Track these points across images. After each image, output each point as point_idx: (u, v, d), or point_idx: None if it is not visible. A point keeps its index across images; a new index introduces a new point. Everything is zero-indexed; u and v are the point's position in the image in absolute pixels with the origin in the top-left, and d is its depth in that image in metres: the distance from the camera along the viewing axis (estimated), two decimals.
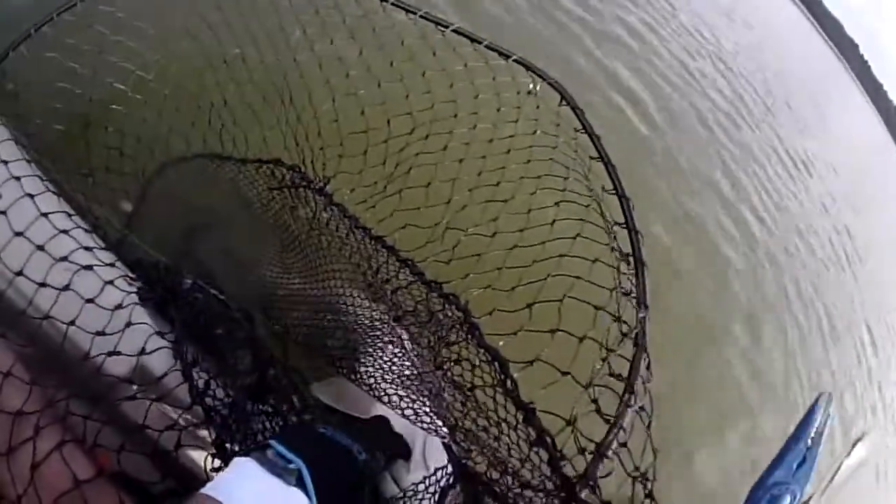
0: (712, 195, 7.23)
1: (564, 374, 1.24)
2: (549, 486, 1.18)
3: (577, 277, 1.49)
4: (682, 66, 10.16)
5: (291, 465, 1.01)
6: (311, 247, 2.14)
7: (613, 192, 1.56)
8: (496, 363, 1.44)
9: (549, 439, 1.19)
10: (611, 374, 1.18)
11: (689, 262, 5.69)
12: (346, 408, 1.72)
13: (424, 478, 1.45)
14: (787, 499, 0.85)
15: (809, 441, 0.90)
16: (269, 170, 2.33)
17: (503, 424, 1.32)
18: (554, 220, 1.73)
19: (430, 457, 1.53)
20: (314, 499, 0.99)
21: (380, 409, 1.68)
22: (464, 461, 1.48)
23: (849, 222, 11.57)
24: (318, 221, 2.14)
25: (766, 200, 8.68)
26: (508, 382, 1.37)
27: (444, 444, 1.50)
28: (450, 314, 1.71)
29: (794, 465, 0.88)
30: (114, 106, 2.30)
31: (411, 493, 1.43)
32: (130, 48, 2.20)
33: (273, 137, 2.29)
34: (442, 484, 1.41)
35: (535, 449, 1.22)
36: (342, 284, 1.97)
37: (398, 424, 1.63)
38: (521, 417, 1.28)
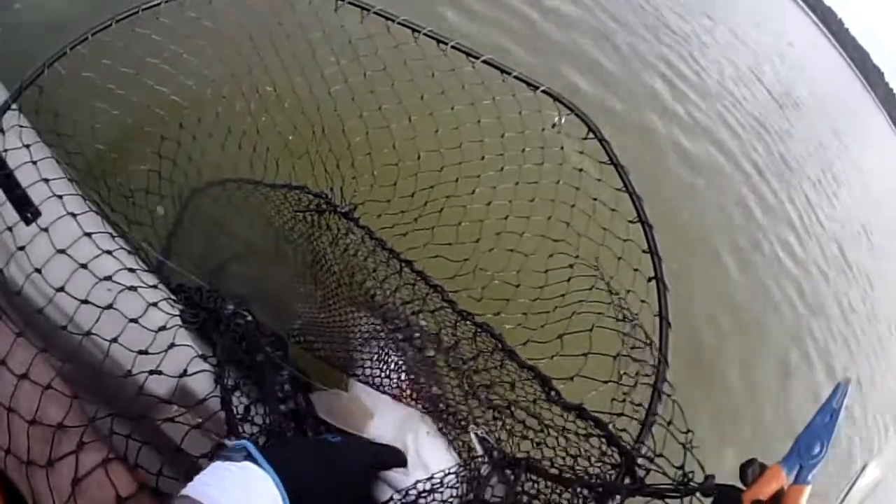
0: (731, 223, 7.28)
1: (606, 381, 1.44)
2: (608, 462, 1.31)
3: (599, 313, 1.62)
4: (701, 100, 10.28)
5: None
6: (333, 269, 2.24)
7: (637, 220, 1.65)
8: (539, 379, 1.59)
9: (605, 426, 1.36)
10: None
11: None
12: (338, 423, 1.74)
13: (432, 476, 1.46)
14: (818, 446, 1.00)
15: (835, 405, 1.03)
16: (296, 195, 2.44)
17: (549, 430, 1.44)
18: (573, 265, 1.85)
19: (429, 459, 1.54)
20: (268, 468, 1.06)
21: (372, 429, 1.69)
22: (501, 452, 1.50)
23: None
24: (340, 244, 2.24)
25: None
26: (553, 393, 1.53)
27: (476, 435, 1.51)
28: (482, 342, 1.82)
29: (825, 423, 1.02)
30: (148, 129, 2.41)
31: (422, 490, 1.42)
32: (165, 71, 2.29)
33: (302, 166, 2.41)
34: (479, 473, 1.41)
35: (591, 438, 1.37)
36: (359, 306, 2.07)
37: (388, 435, 1.65)
38: (573, 416, 1.43)
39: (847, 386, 1.05)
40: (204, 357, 1.43)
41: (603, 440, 1.34)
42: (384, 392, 1.85)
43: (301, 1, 2.18)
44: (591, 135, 1.83)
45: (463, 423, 1.64)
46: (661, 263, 1.57)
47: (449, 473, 1.43)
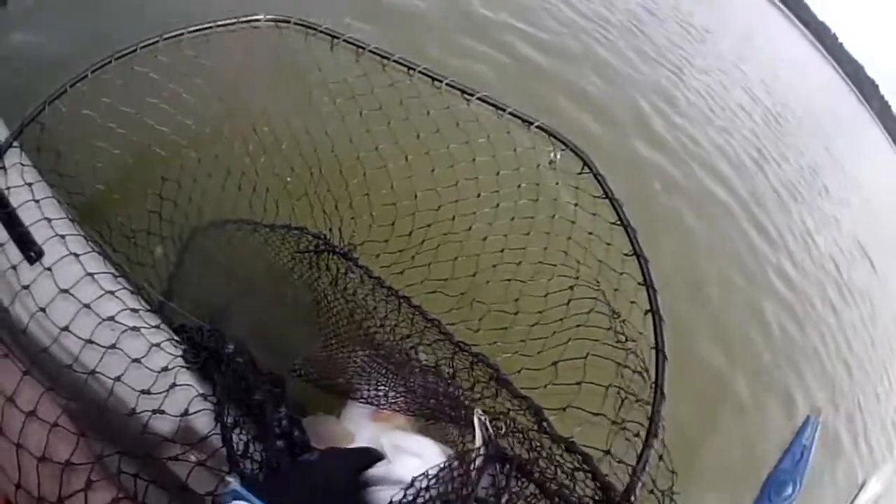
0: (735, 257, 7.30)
1: (597, 415, 1.46)
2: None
3: (596, 340, 1.67)
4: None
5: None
6: (334, 308, 2.28)
7: (633, 254, 1.70)
8: (531, 409, 1.63)
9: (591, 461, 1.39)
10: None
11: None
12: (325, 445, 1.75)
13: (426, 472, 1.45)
14: (790, 487, 1.01)
15: (805, 442, 1.04)
16: (295, 236, 2.50)
17: (540, 461, 1.45)
18: (573, 287, 1.91)
19: (407, 445, 1.54)
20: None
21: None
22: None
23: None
24: (339, 284, 2.30)
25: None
26: (545, 424, 1.56)
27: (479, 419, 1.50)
28: (477, 372, 1.88)
29: (796, 461, 1.02)
30: (148, 169, 2.48)
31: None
32: (164, 110, 2.35)
33: (301, 207, 2.47)
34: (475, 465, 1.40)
35: (577, 473, 1.39)
36: (360, 344, 2.12)
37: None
38: (562, 448, 1.45)
39: (818, 419, 1.07)
40: (205, 396, 1.46)
41: (588, 475, 1.36)
42: (382, 408, 1.90)
43: (297, 40, 2.23)
44: (586, 169, 1.88)
45: (466, 410, 1.67)
46: (656, 295, 1.61)
47: (444, 467, 1.42)
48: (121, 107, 2.19)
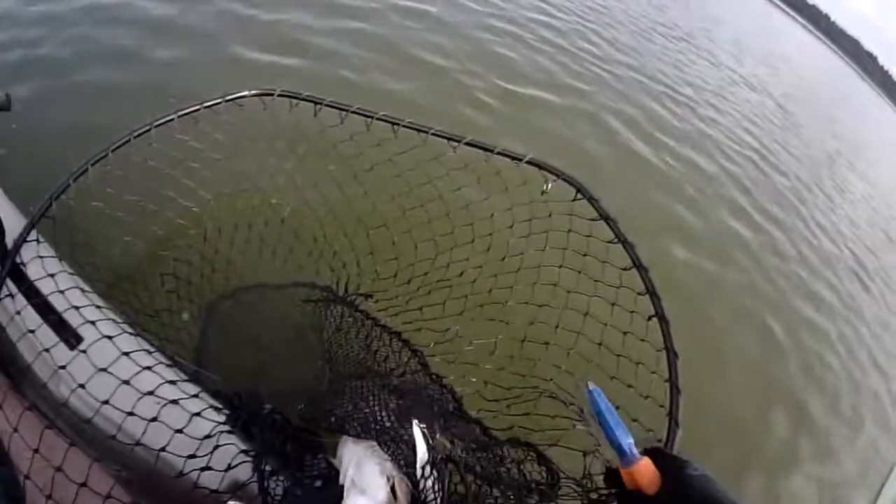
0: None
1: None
2: None
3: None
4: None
5: None
6: (334, 348, 2.39)
7: (632, 267, 1.79)
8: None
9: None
10: None
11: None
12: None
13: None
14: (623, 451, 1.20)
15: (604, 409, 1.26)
16: (304, 291, 2.65)
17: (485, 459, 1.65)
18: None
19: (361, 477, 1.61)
20: None
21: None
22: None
23: None
24: (343, 327, 2.43)
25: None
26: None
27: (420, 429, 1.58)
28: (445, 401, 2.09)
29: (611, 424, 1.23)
30: (162, 252, 2.64)
31: None
32: (166, 196, 2.52)
33: (308, 264, 2.63)
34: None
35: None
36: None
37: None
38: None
39: (590, 386, 1.28)
40: (247, 452, 1.55)
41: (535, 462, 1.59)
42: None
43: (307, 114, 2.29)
44: (579, 195, 1.95)
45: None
46: (668, 328, 1.67)
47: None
48: (124, 195, 2.30)
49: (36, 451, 1.45)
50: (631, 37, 12.78)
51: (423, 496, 1.40)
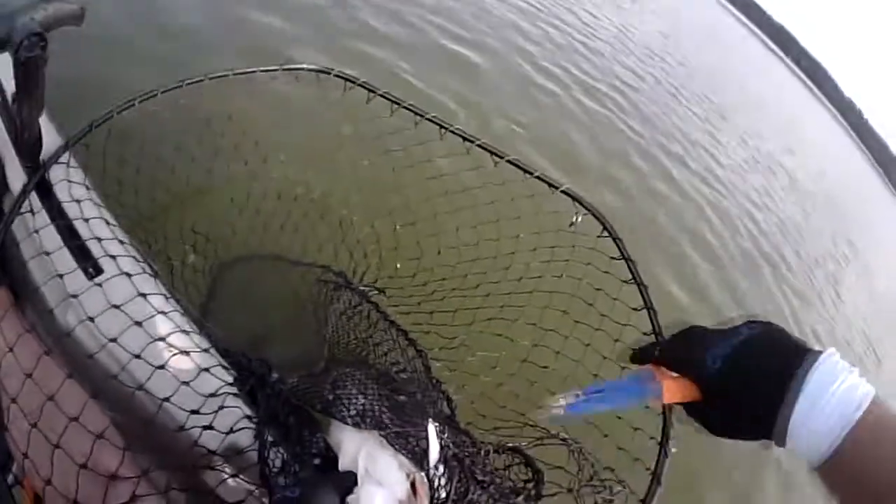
0: None
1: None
2: None
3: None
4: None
5: None
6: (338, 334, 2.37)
7: (643, 308, 1.77)
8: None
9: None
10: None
11: None
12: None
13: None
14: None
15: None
16: (319, 271, 2.63)
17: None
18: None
19: (377, 470, 1.58)
20: None
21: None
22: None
23: None
24: (349, 314, 2.42)
25: None
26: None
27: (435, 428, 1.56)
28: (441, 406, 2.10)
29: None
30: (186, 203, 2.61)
31: None
32: (221, 144, 2.54)
33: (328, 247, 2.62)
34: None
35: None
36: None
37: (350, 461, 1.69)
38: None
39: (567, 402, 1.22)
40: (250, 418, 1.50)
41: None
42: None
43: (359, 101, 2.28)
44: (604, 233, 1.95)
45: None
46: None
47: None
48: (163, 141, 2.36)
49: (29, 375, 1.40)
50: None
51: (435, 495, 1.39)
